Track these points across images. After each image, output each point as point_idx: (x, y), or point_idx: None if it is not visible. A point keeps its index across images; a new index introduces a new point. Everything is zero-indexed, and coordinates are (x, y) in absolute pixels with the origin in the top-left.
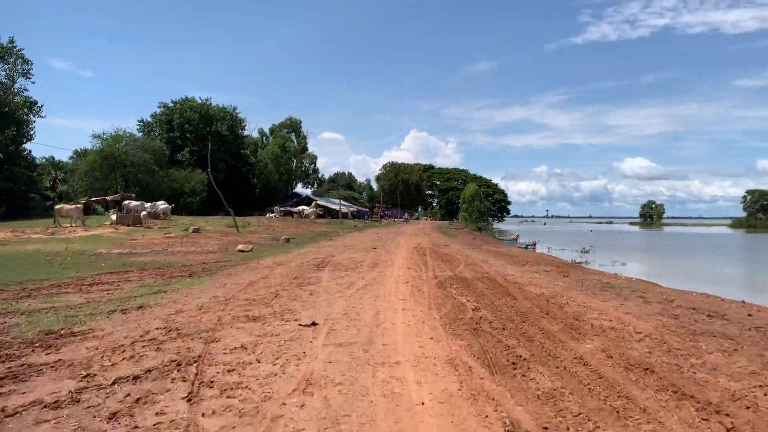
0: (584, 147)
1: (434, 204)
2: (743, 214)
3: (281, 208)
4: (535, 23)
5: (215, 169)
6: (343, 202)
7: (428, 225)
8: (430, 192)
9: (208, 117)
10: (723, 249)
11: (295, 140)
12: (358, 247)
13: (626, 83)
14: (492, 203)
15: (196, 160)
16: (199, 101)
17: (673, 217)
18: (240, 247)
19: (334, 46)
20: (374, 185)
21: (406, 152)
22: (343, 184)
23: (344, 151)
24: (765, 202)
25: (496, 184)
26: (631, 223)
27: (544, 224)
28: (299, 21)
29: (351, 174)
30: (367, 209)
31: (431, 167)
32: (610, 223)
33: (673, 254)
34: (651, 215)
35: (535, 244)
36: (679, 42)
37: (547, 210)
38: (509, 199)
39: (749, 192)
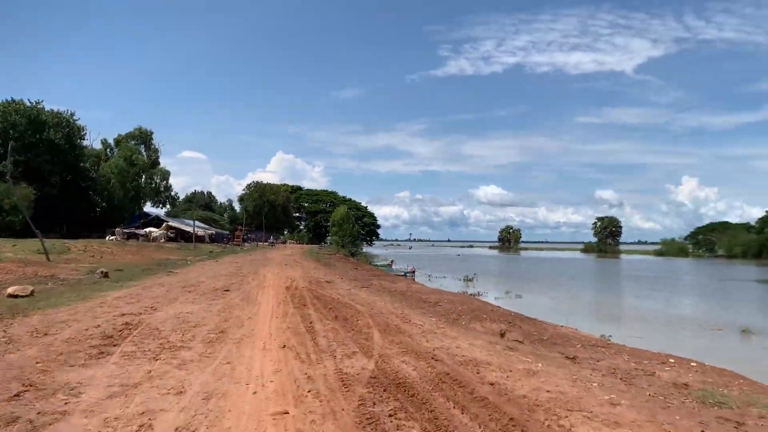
0: (443, 174)
1: (302, 227)
2: (585, 238)
3: (125, 230)
4: (398, 54)
5: (48, 183)
6: (199, 223)
7: (297, 250)
8: (297, 214)
9: (38, 123)
10: (603, 276)
11: (144, 153)
12: (203, 287)
13: (481, 116)
14: (361, 226)
15: (23, 172)
16: (29, 104)
17: (526, 242)
18: (12, 290)
19: (196, 64)
20: (237, 206)
21: (272, 174)
22: (202, 204)
23: (206, 171)
24: (613, 229)
25: (366, 207)
26: (490, 247)
27: (410, 248)
28: (159, 39)
29: (211, 194)
30: (228, 232)
31: (299, 188)
32: (471, 246)
33: (560, 283)
34: (509, 239)
35: (414, 272)
36: (529, 79)
37: (411, 234)
38: (378, 222)
39: (599, 219)
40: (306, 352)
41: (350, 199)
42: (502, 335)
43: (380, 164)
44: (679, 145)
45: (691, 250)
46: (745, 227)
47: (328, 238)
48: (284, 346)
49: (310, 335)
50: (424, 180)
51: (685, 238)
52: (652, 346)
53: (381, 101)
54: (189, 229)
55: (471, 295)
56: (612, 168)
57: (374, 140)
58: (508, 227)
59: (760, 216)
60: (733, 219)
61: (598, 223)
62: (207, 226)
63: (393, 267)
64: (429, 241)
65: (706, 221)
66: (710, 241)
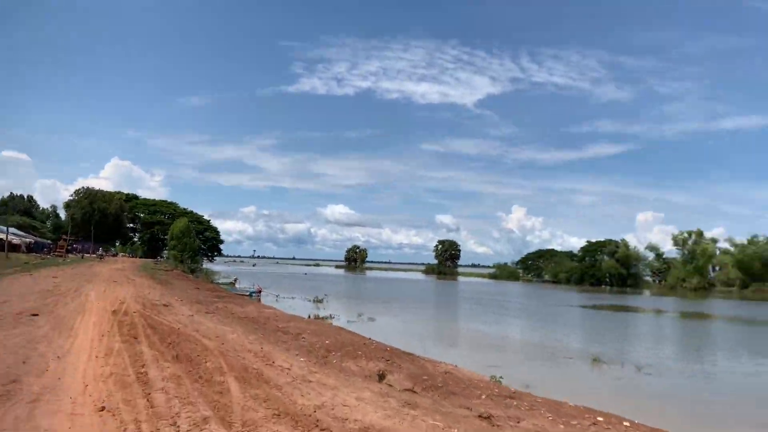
0: (292, 191)
1: (136, 239)
2: (426, 260)
3: None
4: (251, 67)
5: None
6: (15, 230)
7: (129, 264)
8: (131, 225)
9: None
10: (447, 298)
11: None
12: (4, 310)
13: (332, 135)
14: (203, 241)
15: None
16: None
17: (371, 261)
18: None
19: (21, 54)
20: (63, 213)
21: (106, 181)
22: (20, 209)
23: (29, 174)
24: (453, 252)
25: (209, 221)
26: (336, 266)
27: (254, 265)
28: None
29: (33, 198)
30: (50, 242)
31: (135, 197)
32: (318, 265)
33: (408, 304)
34: (355, 259)
35: (260, 292)
36: (379, 104)
37: (254, 250)
38: (221, 237)
39: (440, 242)
40: (135, 419)
41: (191, 212)
42: (382, 377)
43: (226, 177)
44: (511, 177)
45: (521, 275)
46: (569, 255)
47: (166, 252)
48: (103, 409)
49: (143, 387)
50: (272, 196)
51: (516, 263)
52: (515, 378)
53: (230, 112)
54: (2, 236)
55: (323, 318)
56: (451, 195)
57: (221, 152)
58: (355, 247)
59: (581, 245)
60: (556, 247)
61: (440, 246)
62: (24, 234)
63: (237, 286)
64: (273, 258)
65: (532, 248)
66: (538, 266)
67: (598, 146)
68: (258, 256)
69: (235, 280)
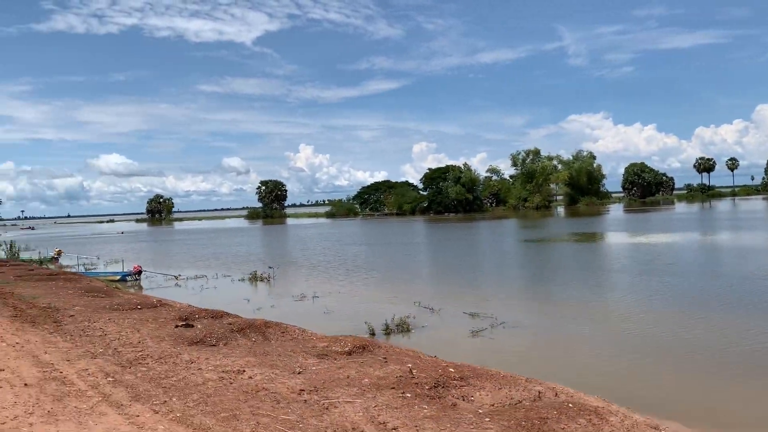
0: (57, 143)
1: None
2: (217, 205)
3: None
4: None
5: None
6: None
7: None
8: None
9: None
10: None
11: None
12: None
13: (97, 79)
14: None
15: None
16: None
17: (177, 211)
18: None
19: None
20: None
21: None
22: None
23: None
24: (279, 192)
25: None
26: (137, 221)
27: (32, 228)
28: None
29: None
30: None
31: None
32: (112, 221)
33: (444, 264)
34: (160, 210)
35: (139, 273)
36: (148, 43)
37: (23, 211)
38: None
39: (263, 183)
40: None
41: None
42: None
43: None
44: (295, 116)
45: (360, 210)
46: (408, 185)
47: None
48: None
49: None
50: (33, 149)
51: (353, 199)
52: None
53: None
54: None
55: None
56: (237, 137)
57: None
58: (158, 197)
59: (368, 180)
60: (343, 182)
61: (263, 187)
62: None
63: (65, 263)
64: (47, 218)
65: (322, 185)
66: (377, 200)
67: (374, 82)
68: (27, 218)
69: (58, 253)
